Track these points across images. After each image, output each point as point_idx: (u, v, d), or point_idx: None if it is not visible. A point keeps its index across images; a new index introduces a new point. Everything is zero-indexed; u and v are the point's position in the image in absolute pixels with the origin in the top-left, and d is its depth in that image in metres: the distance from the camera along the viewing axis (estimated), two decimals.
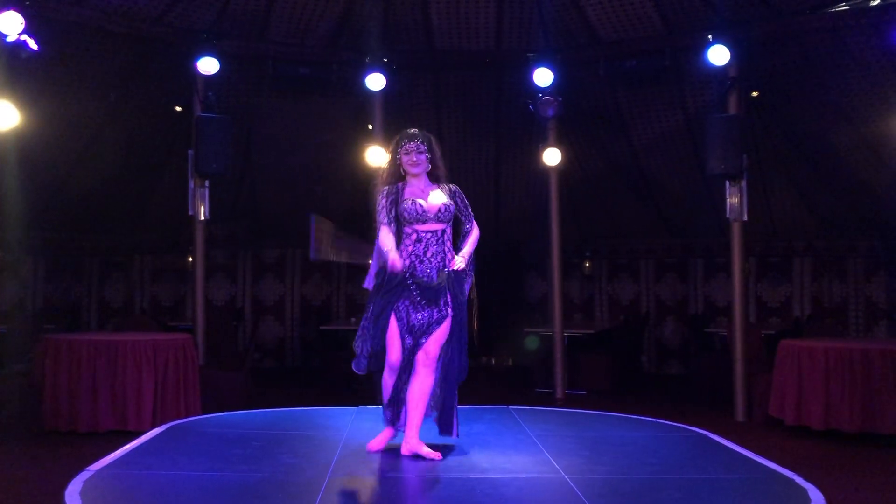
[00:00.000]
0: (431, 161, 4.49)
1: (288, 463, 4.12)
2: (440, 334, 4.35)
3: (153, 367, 6.65)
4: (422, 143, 4.46)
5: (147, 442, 4.51)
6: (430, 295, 4.35)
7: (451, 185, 4.55)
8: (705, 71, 8.04)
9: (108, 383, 6.52)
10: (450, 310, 4.37)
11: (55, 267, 10.65)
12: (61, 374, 6.50)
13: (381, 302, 4.43)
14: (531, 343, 8.89)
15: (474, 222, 4.61)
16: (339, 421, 5.29)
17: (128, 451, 4.25)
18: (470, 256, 4.51)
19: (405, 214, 4.38)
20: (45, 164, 8.56)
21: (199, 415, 6.49)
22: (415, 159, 4.44)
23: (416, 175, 4.47)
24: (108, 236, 11.05)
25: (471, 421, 5.01)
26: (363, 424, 5.14)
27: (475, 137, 10.18)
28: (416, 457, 4.25)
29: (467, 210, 4.58)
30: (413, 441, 4.31)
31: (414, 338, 4.36)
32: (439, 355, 4.38)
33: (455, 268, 4.40)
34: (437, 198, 4.45)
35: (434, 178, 4.53)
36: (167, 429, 4.95)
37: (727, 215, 7.79)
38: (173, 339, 6.97)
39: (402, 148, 4.47)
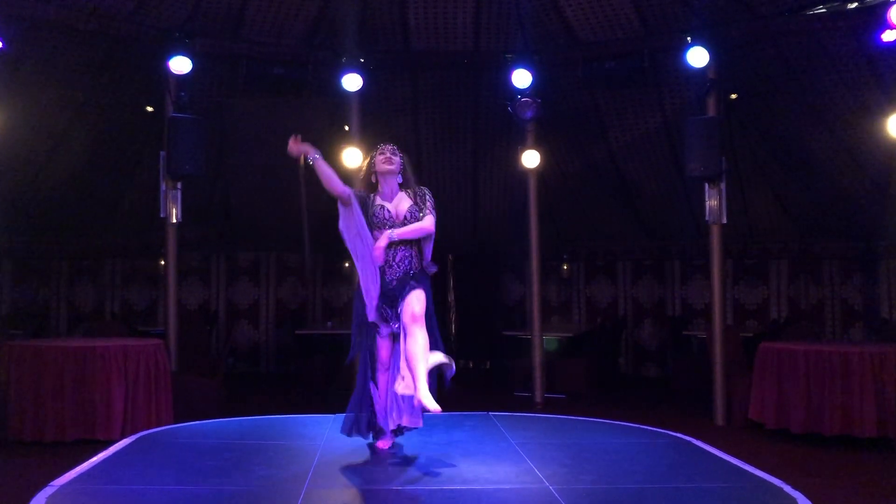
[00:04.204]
0: (403, 169, 4.76)
1: (262, 475, 3.98)
2: (419, 294, 4.46)
3: (123, 374, 6.46)
4: (397, 149, 4.80)
5: (115, 454, 4.35)
6: (391, 298, 4.54)
7: (419, 188, 4.79)
8: (684, 73, 8.02)
9: (75, 391, 6.31)
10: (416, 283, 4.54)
11: (22, 271, 10.38)
12: (26, 382, 6.30)
13: (359, 307, 4.65)
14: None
15: (430, 216, 4.68)
16: (315, 430, 5.16)
17: (95, 463, 4.08)
18: (406, 235, 4.58)
19: (374, 219, 4.62)
20: (11, 165, 8.34)
21: (171, 423, 6.32)
22: (389, 156, 4.72)
23: (389, 173, 4.70)
24: (77, 239, 10.80)
25: (451, 428, 4.91)
26: (340, 433, 5.00)
27: (453, 139, 10.08)
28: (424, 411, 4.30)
29: (425, 204, 4.71)
30: (424, 393, 4.20)
31: (393, 307, 4.51)
32: (425, 315, 4.45)
33: (382, 242, 4.50)
34: (404, 203, 4.69)
35: (403, 187, 4.77)
36: (136, 439, 4.79)
37: (706, 218, 7.76)
38: (144, 344, 6.78)
39: (377, 151, 4.78)
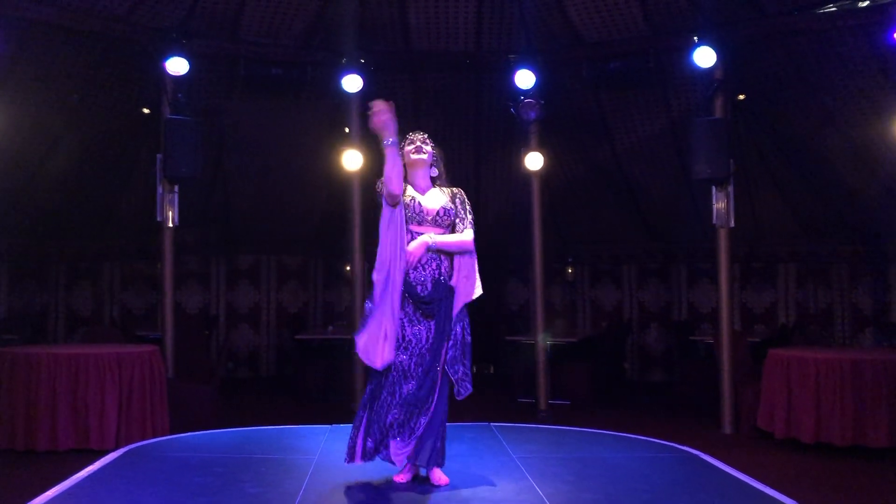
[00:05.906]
0: (435, 162, 4.46)
1: (251, 493, 3.83)
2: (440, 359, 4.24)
3: (117, 382, 6.31)
4: (428, 138, 4.47)
5: (100, 469, 4.20)
6: (424, 309, 4.19)
7: (454, 188, 4.47)
8: (690, 73, 7.84)
9: (68, 399, 6.16)
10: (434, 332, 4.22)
11: (19, 274, 10.25)
12: (17, 390, 6.15)
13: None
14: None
15: (470, 230, 4.34)
16: (311, 442, 5.01)
17: (78, 480, 3.94)
18: (444, 247, 4.24)
19: (405, 211, 4.25)
20: (7, 167, 8.22)
21: (166, 431, 6.19)
22: (419, 146, 4.40)
23: (419, 164, 4.39)
24: (74, 242, 10.68)
25: (450, 440, 4.72)
26: (336, 445, 4.86)
27: (455, 141, 9.92)
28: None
29: (465, 213, 4.38)
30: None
31: (409, 355, 4.15)
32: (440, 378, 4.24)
33: (418, 250, 4.18)
34: (437, 200, 4.36)
35: (435, 182, 4.49)
36: (124, 453, 4.64)
37: (713, 221, 7.58)
38: (139, 351, 6.64)
39: (406, 141, 4.44)
